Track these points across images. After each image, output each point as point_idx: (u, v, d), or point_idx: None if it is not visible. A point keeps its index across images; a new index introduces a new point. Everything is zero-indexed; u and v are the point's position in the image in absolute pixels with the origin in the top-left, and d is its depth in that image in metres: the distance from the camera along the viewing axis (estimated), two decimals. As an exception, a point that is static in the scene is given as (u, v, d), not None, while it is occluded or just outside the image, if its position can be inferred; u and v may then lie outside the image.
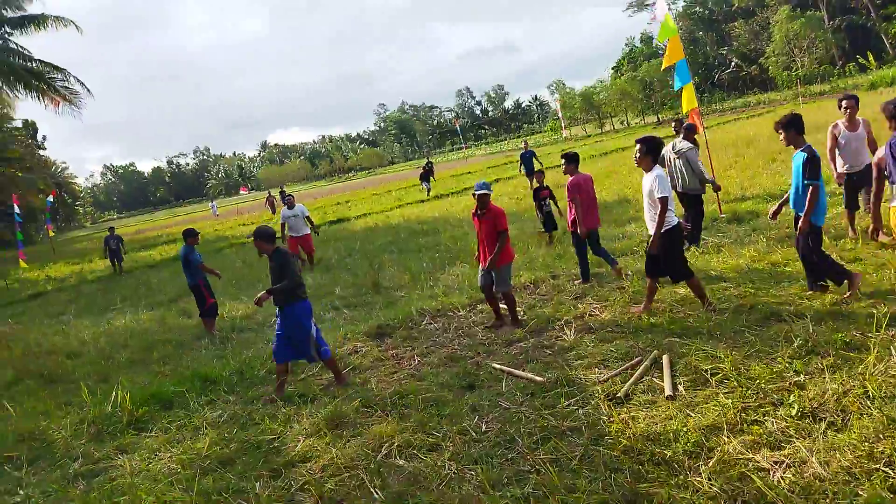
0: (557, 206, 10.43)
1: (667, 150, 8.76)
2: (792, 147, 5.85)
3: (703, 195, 8.77)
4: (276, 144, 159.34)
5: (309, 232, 13.34)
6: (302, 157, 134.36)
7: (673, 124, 12.80)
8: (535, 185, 10.84)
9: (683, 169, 8.63)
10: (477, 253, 7.09)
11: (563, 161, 8.08)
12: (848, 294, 5.62)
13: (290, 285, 5.91)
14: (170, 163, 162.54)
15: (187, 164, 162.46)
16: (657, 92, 60.14)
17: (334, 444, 4.75)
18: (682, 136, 9.05)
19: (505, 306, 6.97)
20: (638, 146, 6.21)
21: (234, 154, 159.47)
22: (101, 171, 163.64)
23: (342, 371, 6.25)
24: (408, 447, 4.52)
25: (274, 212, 34.18)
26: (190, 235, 9.40)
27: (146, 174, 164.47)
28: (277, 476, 4.50)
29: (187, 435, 5.51)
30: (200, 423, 5.68)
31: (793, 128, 5.68)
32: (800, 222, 5.77)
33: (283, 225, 13.12)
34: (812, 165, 5.55)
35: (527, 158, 19.86)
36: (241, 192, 53.85)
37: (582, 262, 7.99)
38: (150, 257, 22.68)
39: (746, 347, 5.03)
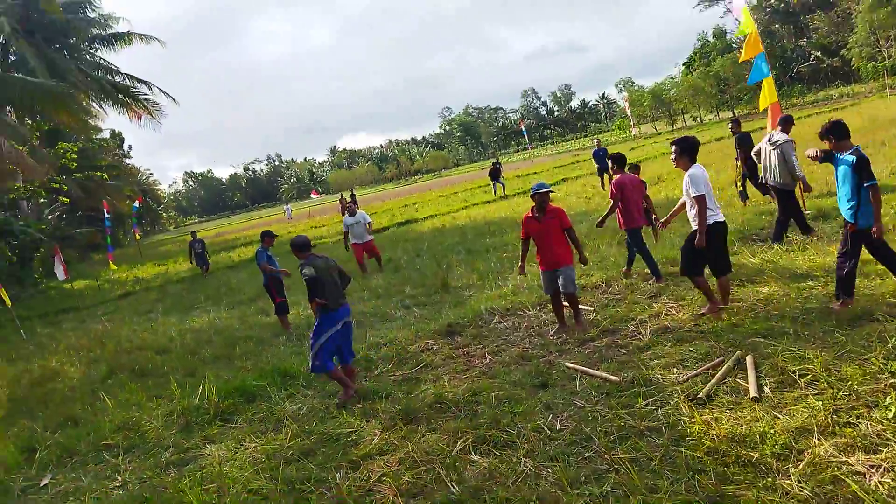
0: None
1: (763, 142, 8.57)
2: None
3: (793, 192, 8.37)
4: (344, 149, 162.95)
5: (372, 238, 13.43)
6: (369, 161, 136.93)
7: (729, 125, 12.52)
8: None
9: (777, 162, 8.29)
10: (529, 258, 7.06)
11: (611, 162, 8.70)
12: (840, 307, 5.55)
13: (311, 296, 6.19)
14: (246, 169, 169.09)
15: (261, 170, 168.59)
16: (732, 87, 57.93)
17: (410, 438, 4.84)
18: (779, 128, 8.64)
19: (570, 308, 6.86)
20: (673, 148, 6.32)
21: (305, 159, 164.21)
22: (182, 178, 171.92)
23: (349, 385, 6.11)
24: (482, 443, 4.55)
25: (343, 212, 34.95)
26: (266, 236, 9.78)
27: (223, 180, 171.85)
28: (356, 468, 4.63)
29: (270, 427, 5.74)
30: (282, 415, 5.91)
31: (834, 133, 5.55)
32: (873, 229, 5.44)
33: (345, 233, 13.32)
34: (866, 165, 5.34)
35: (599, 157, 19.41)
36: (312, 195, 55.28)
37: (647, 260, 7.88)
38: (229, 258, 23.65)
39: (836, 348, 4.79)
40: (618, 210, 8.02)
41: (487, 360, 6.39)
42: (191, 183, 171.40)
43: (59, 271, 16.56)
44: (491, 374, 5.90)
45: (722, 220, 6.08)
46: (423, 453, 4.55)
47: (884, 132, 16.40)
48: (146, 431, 6.19)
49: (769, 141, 8.50)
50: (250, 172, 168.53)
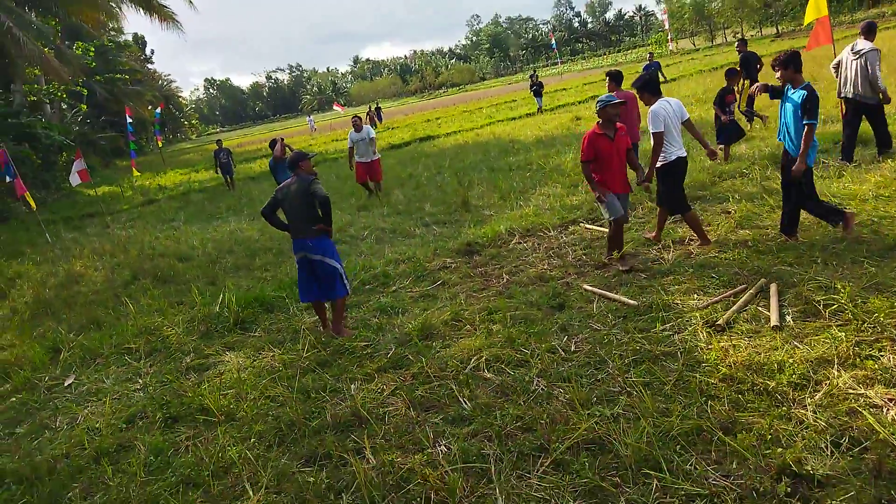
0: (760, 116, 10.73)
1: (845, 52, 8.01)
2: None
3: (874, 105, 7.85)
4: (368, 59, 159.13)
5: (378, 157, 12.44)
6: (393, 73, 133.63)
7: (736, 44, 12.28)
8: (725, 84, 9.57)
9: (859, 72, 7.73)
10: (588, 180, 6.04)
11: (606, 78, 8.40)
12: (845, 232, 5.50)
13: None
14: (268, 77, 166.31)
15: (283, 80, 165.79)
16: (778, 0, 54.52)
17: (424, 353, 4.88)
18: (861, 37, 7.97)
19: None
20: (635, 87, 6.26)
21: (328, 69, 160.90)
22: (203, 86, 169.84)
23: (322, 322, 5.89)
24: (496, 361, 4.57)
25: (374, 126, 34.30)
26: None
27: (244, 89, 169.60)
28: (371, 380, 4.70)
29: (287, 337, 5.84)
30: (299, 326, 6.00)
31: (791, 65, 5.46)
32: (795, 164, 5.40)
33: (350, 150, 12.30)
34: (812, 104, 5.27)
35: (652, 72, 18.32)
36: (335, 108, 54.10)
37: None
38: (250, 169, 23.61)
39: (865, 279, 4.64)
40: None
41: (505, 280, 6.35)
42: (212, 91, 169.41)
43: (75, 177, 16.19)
44: (508, 294, 5.87)
45: (685, 156, 6.08)
46: (436, 369, 4.60)
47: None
48: (167, 336, 6.35)
49: (852, 50, 7.88)
50: (272, 81, 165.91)
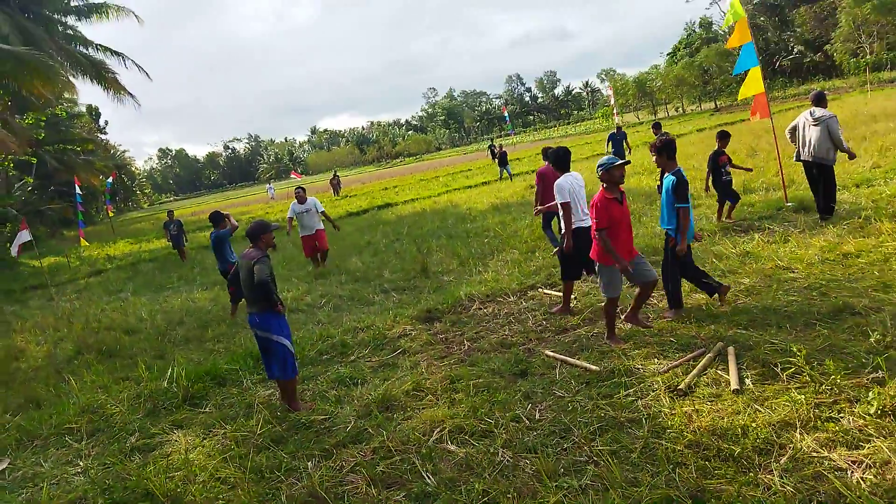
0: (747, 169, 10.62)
1: (801, 119, 8.57)
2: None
3: (832, 166, 8.38)
4: (325, 129, 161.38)
5: (322, 228, 11.67)
6: (350, 143, 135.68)
7: (654, 131, 13.75)
8: (715, 148, 9.47)
9: (817, 137, 8.28)
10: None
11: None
12: (720, 304, 5.92)
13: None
14: (225, 147, 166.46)
15: (240, 149, 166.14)
16: (715, 78, 58.21)
17: (385, 426, 4.71)
18: (814, 105, 8.52)
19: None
20: (546, 157, 6.94)
21: (286, 139, 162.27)
22: (157, 155, 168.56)
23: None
24: (459, 433, 4.44)
25: (336, 193, 34.29)
26: (219, 221, 9.67)
27: (200, 159, 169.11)
28: (329, 456, 4.49)
29: (240, 412, 5.57)
30: (253, 401, 5.74)
31: (665, 152, 5.93)
32: (677, 244, 5.83)
33: (290, 220, 11.59)
34: (681, 188, 5.71)
35: (617, 141, 17.89)
36: (293, 176, 54.30)
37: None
38: (205, 238, 23.19)
39: (819, 341, 4.75)
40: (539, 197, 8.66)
41: (466, 346, 6.27)
42: (167, 161, 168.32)
43: (14, 248, 15.55)
44: (469, 362, 5.78)
45: (586, 225, 6.37)
46: (398, 442, 4.43)
47: (865, 128, 16.52)
48: (111, 415, 5.97)
49: (811, 116, 8.41)
50: (229, 151, 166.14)
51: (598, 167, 5.50)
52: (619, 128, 19.10)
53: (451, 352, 6.23)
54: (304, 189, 11.79)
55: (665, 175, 5.94)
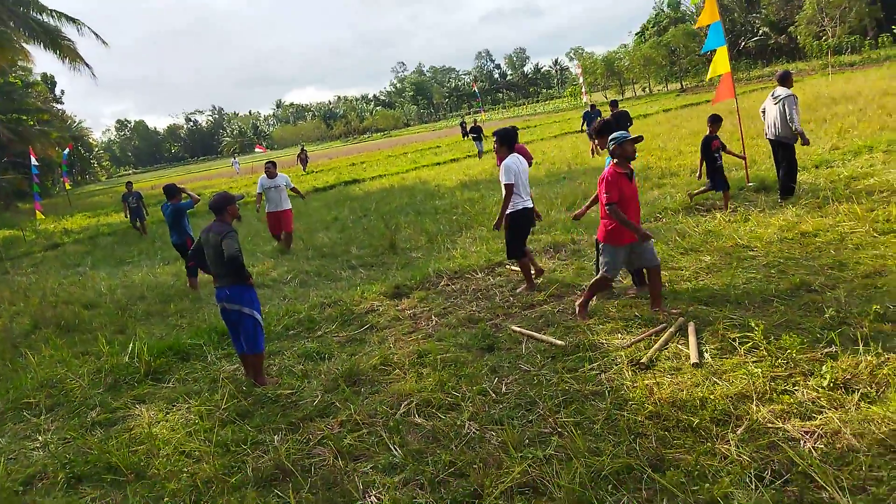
0: (740, 157, 9.85)
1: (767, 100, 8.81)
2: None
3: (793, 146, 8.58)
4: (291, 103, 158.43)
5: (290, 208, 11.23)
6: (317, 117, 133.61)
7: (610, 108, 14.13)
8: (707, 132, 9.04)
9: (778, 115, 8.48)
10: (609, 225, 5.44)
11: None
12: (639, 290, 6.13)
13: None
14: (187, 119, 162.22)
15: (203, 122, 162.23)
16: (682, 58, 58.82)
17: (352, 400, 4.71)
18: (778, 84, 8.75)
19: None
20: (494, 138, 6.77)
21: (250, 112, 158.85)
22: (115, 127, 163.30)
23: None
24: (426, 406, 4.47)
25: (304, 169, 33.65)
26: (174, 193, 9.50)
27: (161, 130, 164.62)
28: (296, 430, 4.48)
29: (204, 387, 5.50)
30: (217, 375, 5.68)
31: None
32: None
33: (259, 196, 11.19)
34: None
35: (593, 119, 17.48)
36: (257, 150, 53.26)
37: None
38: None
39: (776, 316, 4.90)
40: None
41: (434, 322, 6.29)
42: (125, 132, 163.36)
43: None
44: (437, 337, 5.81)
45: (531, 206, 6.63)
46: (365, 416, 4.44)
47: (825, 110, 16.92)
48: (71, 390, 5.84)
49: (772, 96, 8.63)
50: (191, 123, 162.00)
51: (611, 141, 5.31)
52: (592, 106, 18.85)
53: (418, 327, 6.25)
54: (274, 164, 11.32)
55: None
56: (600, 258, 5.54)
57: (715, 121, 9.05)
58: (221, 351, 6.34)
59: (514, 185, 6.42)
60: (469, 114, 63.84)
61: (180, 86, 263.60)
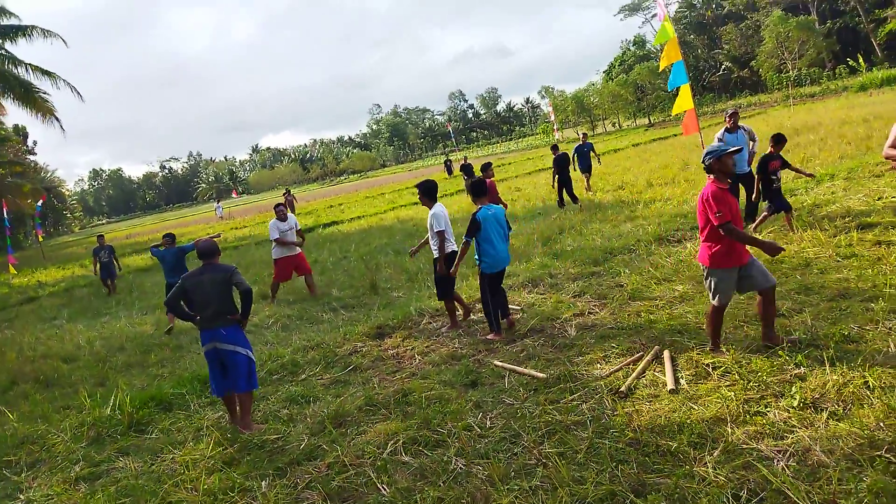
0: (808, 174, 9.62)
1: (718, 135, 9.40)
2: None
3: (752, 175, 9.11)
4: (267, 148, 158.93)
5: (301, 251, 10.83)
6: (294, 161, 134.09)
7: (551, 148, 15.62)
8: (768, 151, 8.65)
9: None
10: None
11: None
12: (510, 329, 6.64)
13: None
14: (162, 167, 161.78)
15: (178, 169, 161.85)
16: (648, 94, 60.60)
17: (339, 442, 4.75)
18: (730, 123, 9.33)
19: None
20: (417, 190, 7.18)
21: (226, 158, 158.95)
22: (89, 176, 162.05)
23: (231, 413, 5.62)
24: (413, 444, 4.53)
25: (294, 212, 33.54)
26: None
27: (136, 179, 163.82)
28: (283, 475, 4.49)
29: (189, 436, 5.49)
30: (202, 424, 5.67)
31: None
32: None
33: (276, 242, 10.50)
34: (470, 224, 6.48)
35: (584, 153, 16.43)
36: (233, 195, 53.25)
37: None
38: (142, 261, 22.53)
39: (747, 341, 5.08)
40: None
41: (417, 360, 6.37)
42: (99, 181, 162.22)
43: None
44: (421, 375, 5.89)
45: (455, 250, 6.99)
46: (352, 457, 4.48)
47: (788, 140, 17.51)
48: (53, 445, 5.78)
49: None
50: (167, 171, 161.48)
51: (707, 155, 4.92)
52: (584, 136, 17.52)
53: (402, 366, 6.32)
54: (285, 206, 10.89)
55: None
56: (710, 284, 5.05)
57: (778, 141, 8.60)
58: (205, 399, 6.33)
59: (444, 231, 6.85)
60: (450, 152, 64.22)
61: (155, 133, 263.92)
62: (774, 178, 8.57)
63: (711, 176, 4.94)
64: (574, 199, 14.69)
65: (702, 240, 5.08)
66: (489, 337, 6.55)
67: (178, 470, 4.84)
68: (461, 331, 7.01)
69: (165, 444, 5.37)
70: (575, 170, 16.25)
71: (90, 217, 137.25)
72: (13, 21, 26.68)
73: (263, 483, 4.40)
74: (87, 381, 7.85)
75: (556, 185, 14.97)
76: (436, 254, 6.96)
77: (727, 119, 9.32)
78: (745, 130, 9.00)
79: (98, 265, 15.44)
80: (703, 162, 5.00)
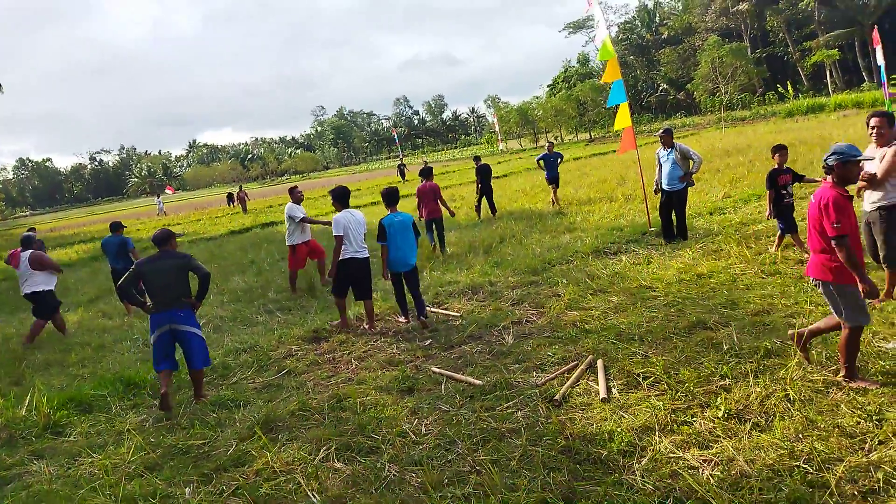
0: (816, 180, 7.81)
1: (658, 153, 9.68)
2: None
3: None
4: (205, 144, 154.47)
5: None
6: (233, 159, 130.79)
7: (473, 158, 16.51)
8: (774, 165, 8.15)
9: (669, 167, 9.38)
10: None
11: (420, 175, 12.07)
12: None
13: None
14: (92, 159, 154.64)
15: (109, 162, 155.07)
16: (590, 111, 62.26)
17: (269, 448, 4.62)
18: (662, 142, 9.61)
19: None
20: (331, 196, 7.64)
21: (160, 152, 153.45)
22: (14, 166, 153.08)
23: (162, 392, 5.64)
24: (346, 450, 4.45)
25: (245, 210, 32.11)
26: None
27: (63, 170, 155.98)
28: (208, 481, 4.33)
29: (109, 440, 5.23)
30: (123, 427, 5.41)
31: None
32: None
33: (301, 221, 10.01)
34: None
35: (552, 163, 15.49)
36: (168, 191, 51.34)
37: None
38: (66, 256, 21.41)
39: (675, 353, 5.25)
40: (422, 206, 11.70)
41: (354, 365, 6.28)
42: (23, 171, 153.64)
43: None
44: (357, 381, 5.80)
45: (362, 256, 7.37)
46: (282, 463, 4.37)
47: (719, 161, 18.36)
48: (-43, 448, 5.39)
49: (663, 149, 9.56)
50: (96, 163, 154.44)
51: (832, 156, 4.30)
52: (550, 145, 16.15)
53: (338, 371, 6.22)
54: (299, 190, 10.51)
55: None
56: (839, 304, 4.34)
57: (779, 150, 8.07)
58: (127, 401, 6.06)
59: (343, 237, 7.19)
60: (403, 156, 63.78)
61: (86, 125, 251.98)
62: (785, 192, 8.02)
63: (829, 178, 4.34)
64: (493, 210, 15.46)
65: (814, 250, 4.44)
66: (399, 320, 7.46)
67: (96, 474, 4.60)
68: (400, 337, 6.96)
69: (84, 448, 5.10)
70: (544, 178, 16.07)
71: (12, 208, 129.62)
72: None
73: (187, 490, 4.23)
74: (2, 380, 7.38)
75: (477, 193, 15.52)
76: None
77: (660, 137, 9.64)
78: (677, 149, 9.31)
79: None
80: (824, 161, 4.36)
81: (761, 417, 4.08)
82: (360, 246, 7.38)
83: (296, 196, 10.24)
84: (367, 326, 7.43)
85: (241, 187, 32.42)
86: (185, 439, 4.99)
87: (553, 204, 15.53)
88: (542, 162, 15.79)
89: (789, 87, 53.02)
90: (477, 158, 16.18)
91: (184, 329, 5.74)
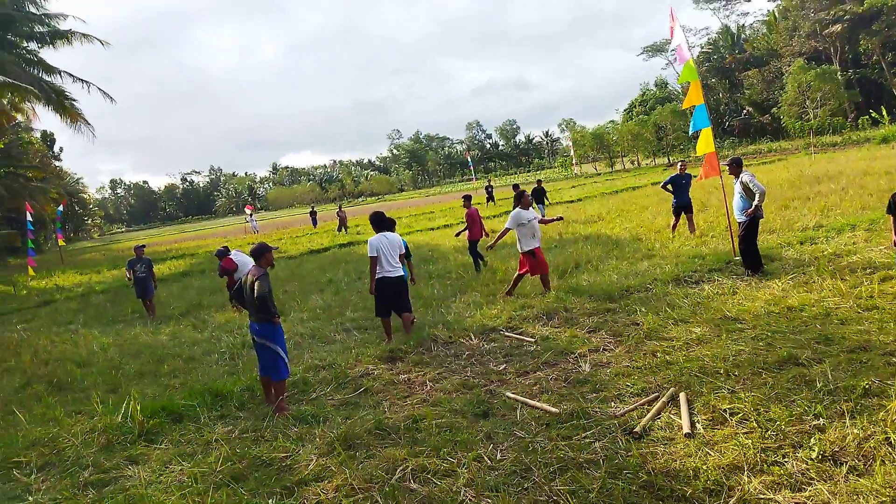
0: None
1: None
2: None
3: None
4: (287, 167, 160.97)
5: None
6: (312, 180, 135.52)
7: (513, 186, 17.44)
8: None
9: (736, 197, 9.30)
10: None
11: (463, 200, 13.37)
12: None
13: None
14: (183, 179, 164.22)
15: (199, 182, 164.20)
16: (668, 135, 60.80)
17: (347, 464, 4.73)
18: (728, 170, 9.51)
19: None
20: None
21: (246, 174, 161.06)
22: (109, 185, 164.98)
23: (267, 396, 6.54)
24: (422, 471, 4.50)
25: (346, 229, 32.72)
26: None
27: (157, 190, 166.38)
28: (290, 494, 4.47)
29: (198, 449, 5.49)
30: (211, 437, 5.67)
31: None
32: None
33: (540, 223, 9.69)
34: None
35: (682, 185, 13.42)
36: (247, 210, 53.34)
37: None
38: (158, 272, 22.71)
39: (765, 389, 5.01)
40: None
41: (428, 387, 6.35)
42: (120, 190, 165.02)
43: None
44: (432, 402, 5.86)
45: (393, 276, 7.88)
46: (361, 480, 4.45)
47: (808, 188, 17.48)
48: (63, 449, 5.80)
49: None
50: (188, 183, 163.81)
51: None
52: (682, 164, 14.09)
53: (413, 392, 6.30)
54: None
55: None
56: None
57: None
58: (215, 412, 6.34)
59: (377, 258, 7.80)
60: (461, 181, 64.06)
61: (178, 147, 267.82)
62: None
63: None
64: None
65: None
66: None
67: (185, 482, 4.84)
68: (474, 360, 6.98)
69: (174, 456, 5.38)
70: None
71: (109, 224, 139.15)
72: (67, 24, 27.49)
73: (270, 501, 4.38)
74: (100, 387, 7.89)
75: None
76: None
77: (727, 166, 9.61)
78: (740, 180, 9.17)
79: (133, 279, 13.29)
80: None
81: (859, 461, 3.83)
82: (392, 265, 7.93)
83: (525, 201, 9.52)
84: (388, 340, 8.13)
85: (340, 206, 32.87)
86: (269, 451, 5.18)
87: (678, 230, 13.58)
88: (670, 186, 13.54)
89: (884, 112, 49.84)
90: (516, 186, 16.72)
91: (258, 341, 6.36)
